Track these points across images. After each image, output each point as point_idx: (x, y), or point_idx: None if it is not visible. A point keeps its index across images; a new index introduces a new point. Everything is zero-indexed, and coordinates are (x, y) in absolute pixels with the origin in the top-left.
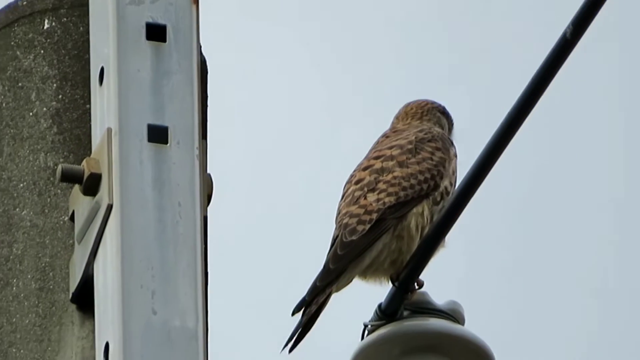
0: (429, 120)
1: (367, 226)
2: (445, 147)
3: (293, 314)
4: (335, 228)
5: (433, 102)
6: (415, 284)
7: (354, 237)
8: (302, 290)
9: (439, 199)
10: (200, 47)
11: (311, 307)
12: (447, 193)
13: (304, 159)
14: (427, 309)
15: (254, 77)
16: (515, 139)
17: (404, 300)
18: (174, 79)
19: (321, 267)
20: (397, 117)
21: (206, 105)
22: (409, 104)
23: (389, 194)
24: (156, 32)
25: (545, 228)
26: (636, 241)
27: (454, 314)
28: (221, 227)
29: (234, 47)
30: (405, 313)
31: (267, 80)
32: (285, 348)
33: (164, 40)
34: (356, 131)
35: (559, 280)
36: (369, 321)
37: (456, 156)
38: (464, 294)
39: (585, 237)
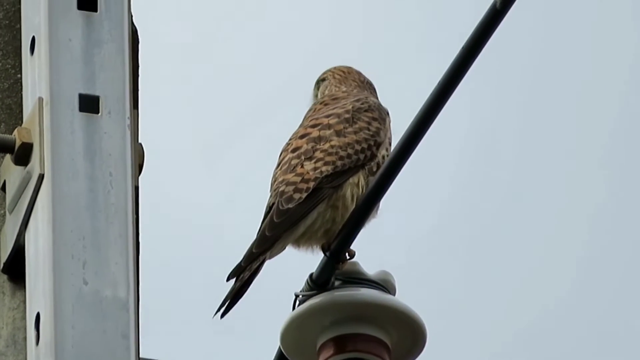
0: (368, 90)
1: (304, 194)
2: (381, 117)
3: (228, 279)
4: (271, 196)
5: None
6: (347, 253)
7: (290, 205)
8: (234, 258)
9: (375, 169)
10: (132, 16)
11: (244, 273)
12: None
13: (236, 128)
14: (358, 279)
15: (186, 47)
16: (445, 108)
17: (335, 270)
18: (105, 48)
19: (256, 234)
20: (341, 76)
21: (137, 75)
22: (348, 67)
23: (326, 163)
24: (87, 2)
25: (479, 197)
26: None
27: (385, 284)
28: (152, 197)
29: (166, 17)
30: (337, 283)
31: (199, 51)
32: (218, 313)
33: (95, 10)
34: (290, 106)
35: (492, 250)
36: (300, 291)
37: (390, 126)
38: (395, 265)
39: (520, 204)
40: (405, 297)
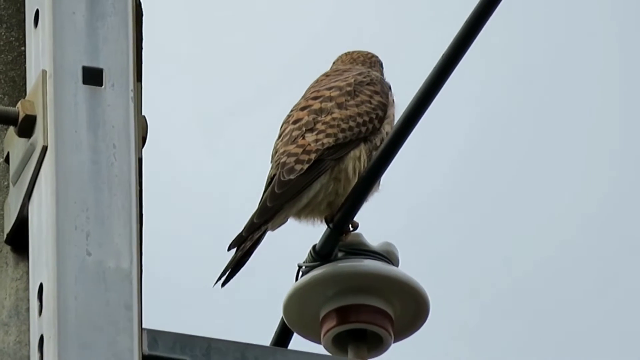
0: (376, 72)
1: (305, 166)
2: (384, 92)
3: (229, 249)
4: (272, 167)
5: (377, 56)
6: (350, 225)
7: (291, 176)
8: (236, 228)
9: (378, 143)
10: None
11: (246, 243)
12: None
13: (240, 101)
14: (362, 250)
15: (189, 20)
16: (450, 81)
17: (339, 242)
18: (109, 21)
19: (257, 205)
20: (341, 61)
21: (141, 48)
22: (353, 51)
23: (327, 135)
24: None
25: (482, 170)
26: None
27: (388, 256)
28: (156, 169)
29: None
30: (340, 254)
31: (203, 23)
32: (218, 282)
33: None
34: (295, 81)
35: (494, 223)
36: (304, 262)
37: (394, 101)
38: (398, 236)
39: (522, 179)
40: (408, 268)
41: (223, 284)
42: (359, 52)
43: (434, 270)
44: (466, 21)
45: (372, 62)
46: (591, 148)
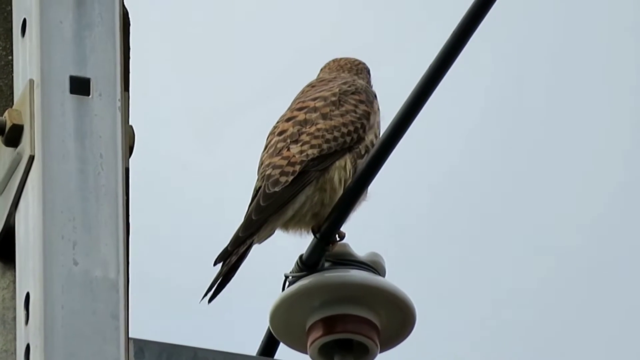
0: (362, 79)
1: (290, 178)
2: (369, 100)
3: (215, 264)
4: (258, 179)
5: (364, 63)
6: (337, 235)
7: (276, 189)
8: (223, 241)
9: (363, 152)
10: None
11: (232, 257)
12: (372, 146)
13: (229, 111)
14: (348, 261)
15: (177, 30)
16: (437, 91)
17: (325, 252)
18: (96, 30)
19: (243, 218)
20: (329, 68)
21: (128, 57)
22: (340, 58)
23: (312, 146)
24: None
25: (468, 180)
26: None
27: (374, 266)
28: (143, 179)
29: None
30: (327, 264)
31: (190, 33)
32: (205, 298)
33: None
34: (288, 90)
35: (480, 232)
36: (290, 272)
37: (379, 109)
38: (385, 246)
39: (513, 186)
40: (394, 278)
41: (210, 300)
42: (346, 59)
43: (420, 280)
44: (457, 26)
45: (359, 69)
46: (600, 154)
